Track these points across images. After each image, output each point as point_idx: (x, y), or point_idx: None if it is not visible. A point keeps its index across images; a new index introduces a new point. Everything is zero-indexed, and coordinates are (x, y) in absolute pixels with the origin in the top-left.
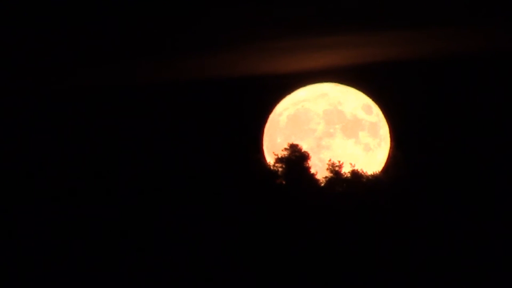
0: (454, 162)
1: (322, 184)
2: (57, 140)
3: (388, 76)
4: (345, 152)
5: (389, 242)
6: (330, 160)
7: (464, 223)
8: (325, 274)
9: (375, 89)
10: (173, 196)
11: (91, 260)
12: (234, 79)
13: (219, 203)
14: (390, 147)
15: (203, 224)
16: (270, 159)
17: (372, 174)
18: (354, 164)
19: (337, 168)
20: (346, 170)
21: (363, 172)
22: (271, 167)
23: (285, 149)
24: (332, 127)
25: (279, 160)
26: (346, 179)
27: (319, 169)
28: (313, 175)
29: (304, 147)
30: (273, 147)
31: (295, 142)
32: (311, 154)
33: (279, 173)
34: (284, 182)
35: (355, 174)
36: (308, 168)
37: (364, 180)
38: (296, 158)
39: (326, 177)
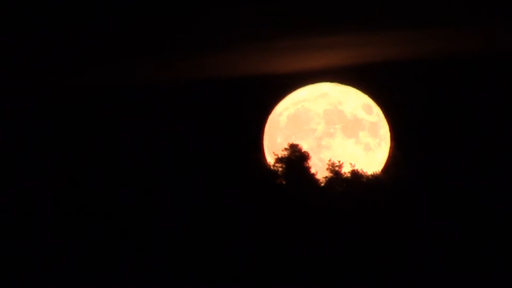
0: (454, 162)
1: (322, 184)
2: (57, 140)
3: (388, 76)
4: (345, 152)
5: (389, 242)
6: (330, 160)
7: (464, 223)
8: (325, 274)
9: (375, 89)
10: (173, 196)
11: (91, 260)
12: (234, 79)
13: (219, 203)
14: (390, 147)
15: (203, 224)
16: (270, 159)
17: (372, 174)
18: (354, 164)
19: (337, 168)
20: (346, 170)
21: (363, 172)
22: (271, 167)
23: (285, 149)
24: (332, 127)
25: (279, 160)
26: (346, 179)
27: (319, 169)
28: (313, 175)
29: (304, 147)
30: (273, 147)
31: (295, 142)
32: (311, 154)
33: (279, 173)
34: (284, 182)
35: (355, 174)
36: (308, 168)
37: (364, 180)
38: (296, 158)
39: (326, 177)
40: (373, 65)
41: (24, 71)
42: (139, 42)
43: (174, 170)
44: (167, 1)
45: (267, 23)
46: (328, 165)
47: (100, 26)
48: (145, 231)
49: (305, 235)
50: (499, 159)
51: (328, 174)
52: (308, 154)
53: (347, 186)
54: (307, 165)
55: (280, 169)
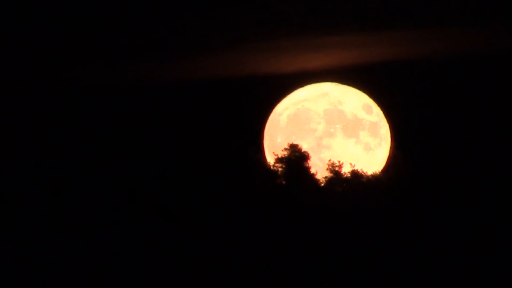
0: (454, 162)
1: (322, 184)
2: (57, 140)
3: (388, 76)
4: (346, 152)
5: (389, 242)
6: (330, 160)
7: (464, 223)
8: (325, 274)
9: (375, 89)
10: (173, 196)
11: (91, 260)
12: (234, 79)
13: (219, 203)
14: (390, 147)
15: (203, 224)
16: (270, 159)
17: (372, 174)
18: (354, 164)
19: (337, 168)
20: (346, 170)
21: (363, 172)
22: (271, 167)
23: (285, 149)
24: (333, 127)
25: (279, 160)
26: (346, 179)
27: (319, 169)
28: (313, 175)
29: (304, 146)
30: (273, 147)
31: (295, 142)
32: (311, 154)
33: (279, 173)
34: (284, 182)
35: (355, 174)
36: (308, 168)
37: (364, 180)
38: (296, 158)
39: (326, 177)
40: (373, 65)
41: (24, 71)
42: (139, 42)
43: (174, 170)
44: (167, 1)
45: (267, 23)
46: (328, 165)
47: (100, 26)
48: (145, 231)
49: (305, 235)
50: (499, 159)
51: (328, 174)
52: (308, 154)
53: (347, 186)
54: (307, 165)
55: (280, 169)
